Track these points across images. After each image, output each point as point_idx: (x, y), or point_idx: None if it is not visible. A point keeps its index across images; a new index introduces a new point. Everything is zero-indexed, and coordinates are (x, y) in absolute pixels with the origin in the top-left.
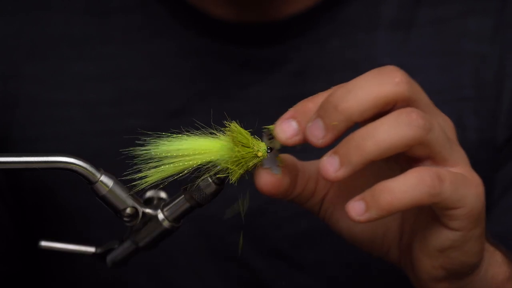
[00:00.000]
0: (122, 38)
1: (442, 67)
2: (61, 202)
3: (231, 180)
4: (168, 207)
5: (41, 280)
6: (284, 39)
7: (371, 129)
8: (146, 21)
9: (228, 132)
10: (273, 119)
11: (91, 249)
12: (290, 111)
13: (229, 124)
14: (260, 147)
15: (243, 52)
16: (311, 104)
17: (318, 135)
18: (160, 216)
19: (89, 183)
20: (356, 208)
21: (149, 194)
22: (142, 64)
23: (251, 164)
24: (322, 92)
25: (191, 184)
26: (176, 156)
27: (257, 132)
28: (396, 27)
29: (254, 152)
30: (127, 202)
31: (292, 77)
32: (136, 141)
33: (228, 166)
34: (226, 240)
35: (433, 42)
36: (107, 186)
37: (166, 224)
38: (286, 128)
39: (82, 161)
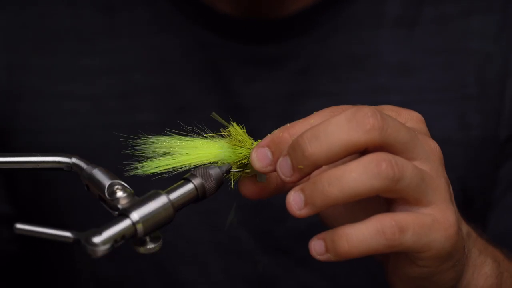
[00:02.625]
0: (129, 32)
1: (445, 65)
2: (60, 196)
3: (232, 180)
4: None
5: (42, 277)
6: (289, 36)
7: (339, 174)
8: (153, 16)
9: (228, 132)
10: (277, 115)
11: (68, 234)
12: (267, 139)
13: (229, 125)
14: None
15: (249, 49)
16: (287, 135)
17: (285, 173)
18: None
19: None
20: (317, 248)
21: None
22: (148, 58)
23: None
24: (301, 121)
25: (199, 170)
26: (176, 155)
27: (260, 128)
28: (400, 24)
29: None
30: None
31: (297, 73)
32: (141, 135)
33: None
34: (231, 234)
35: (437, 40)
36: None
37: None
38: (261, 158)
39: (79, 159)
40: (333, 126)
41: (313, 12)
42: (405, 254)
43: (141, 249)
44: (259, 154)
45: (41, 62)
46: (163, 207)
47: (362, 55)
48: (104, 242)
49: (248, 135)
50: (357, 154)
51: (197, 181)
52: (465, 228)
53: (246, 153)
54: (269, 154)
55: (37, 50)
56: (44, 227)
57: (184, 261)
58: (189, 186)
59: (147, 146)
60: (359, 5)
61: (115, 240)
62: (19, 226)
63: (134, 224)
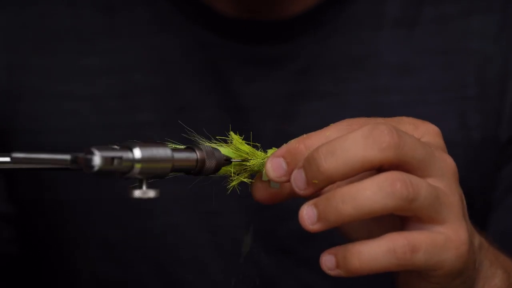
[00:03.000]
0: (129, 32)
1: (445, 65)
2: (61, 196)
3: (229, 185)
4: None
5: (42, 278)
6: (289, 37)
7: (353, 192)
8: (153, 16)
9: (230, 144)
10: (277, 115)
11: (66, 156)
12: (282, 150)
13: (231, 136)
14: (260, 158)
15: (249, 49)
16: (303, 146)
17: (299, 186)
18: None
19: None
20: (328, 263)
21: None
22: (148, 58)
23: (247, 174)
24: (317, 133)
25: (205, 146)
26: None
27: (260, 128)
28: (400, 24)
29: (254, 165)
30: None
31: (297, 74)
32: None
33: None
34: (232, 236)
35: (436, 40)
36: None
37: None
38: (276, 168)
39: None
40: (350, 143)
41: (313, 13)
42: (417, 271)
43: (137, 193)
44: (274, 164)
45: (41, 62)
46: (165, 160)
47: (362, 55)
48: (102, 158)
49: (248, 136)
50: (372, 170)
51: (200, 154)
52: (477, 240)
53: (253, 162)
54: (284, 165)
55: (37, 50)
56: (40, 152)
57: (185, 263)
58: (191, 156)
59: None
60: (359, 6)
61: (111, 161)
62: (15, 155)
63: (133, 160)
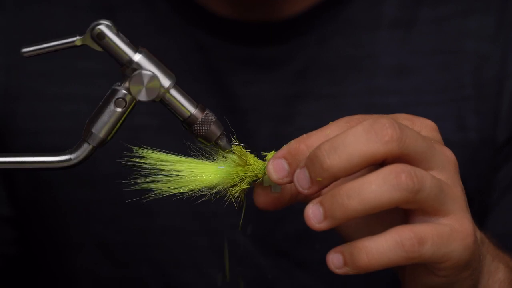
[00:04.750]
0: (126, 34)
1: (442, 66)
2: (60, 197)
3: (230, 192)
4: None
5: (41, 279)
6: (287, 38)
7: (358, 186)
8: (151, 18)
9: (230, 154)
10: (275, 117)
11: (74, 38)
12: (283, 151)
13: (231, 146)
14: (260, 167)
15: (247, 50)
16: (304, 146)
17: (303, 186)
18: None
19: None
20: (335, 262)
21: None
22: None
23: (248, 182)
24: (317, 132)
25: (210, 113)
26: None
27: (258, 130)
28: (397, 26)
29: (255, 173)
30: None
31: (295, 75)
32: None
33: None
34: (229, 237)
35: (434, 41)
36: None
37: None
38: (278, 169)
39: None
40: (351, 138)
41: (311, 14)
42: (424, 264)
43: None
44: (276, 166)
45: (39, 64)
46: (160, 85)
47: (359, 56)
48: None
49: (245, 137)
50: (375, 165)
51: (198, 114)
52: (478, 234)
53: (255, 169)
54: (285, 166)
55: None
56: (48, 41)
57: (183, 265)
58: (190, 108)
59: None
60: (356, 7)
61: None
62: (25, 49)
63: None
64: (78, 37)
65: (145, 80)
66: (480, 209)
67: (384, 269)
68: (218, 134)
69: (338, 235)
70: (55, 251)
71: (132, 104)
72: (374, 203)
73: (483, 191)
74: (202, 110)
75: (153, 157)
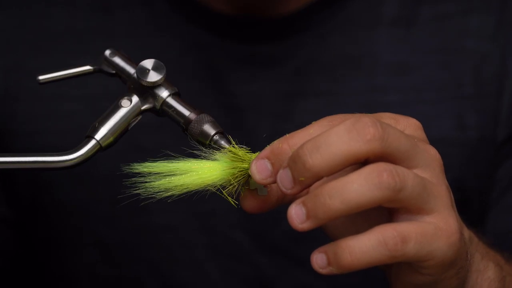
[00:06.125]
0: (125, 32)
1: (442, 64)
2: (59, 198)
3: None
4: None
5: (40, 278)
6: (286, 36)
7: (340, 186)
8: (150, 17)
9: (225, 152)
10: (273, 115)
11: (88, 68)
12: (266, 151)
13: (226, 146)
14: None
15: (245, 48)
16: (286, 146)
17: (286, 186)
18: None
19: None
20: (319, 261)
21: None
22: (144, 59)
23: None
24: (300, 131)
25: (205, 115)
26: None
27: (256, 128)
28: (397, 24)
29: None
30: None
31: (294, 73)
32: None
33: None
34: (227, 236)
35: (433, 40)
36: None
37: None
38: (261, 169)
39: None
40: (334, 137)
41: (310, 12)
42: (408, 263)
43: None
44: (259, 166)
45: (37, 63)
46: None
47: (359, 55)
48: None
49: (244, 135)
50: (357, 164)
51: (193, 116)
52: (466, 233)
53: (246, 167)
54: (269, 166)
55: (32, 51)
56: (63, 70)
57: (181, 264)
58: (185, 112)
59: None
60: (356, 5)
61: None
62: (41, 77)
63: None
64: (90, 67)
65: (150, 65)
66: (480, 209)
67: (378, 268)
68: (213, 133)
69: (326, 236)
70: (52, 249)
71: (138, 108)
72: (356, 202)
73: (483, 190)
74: (199, 112)
75: (150, 170)
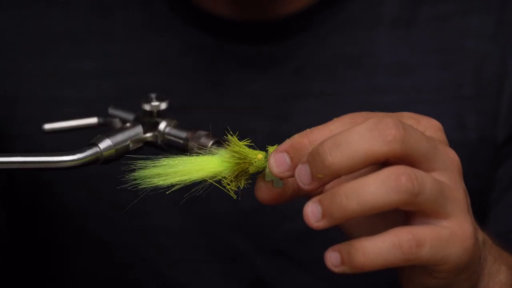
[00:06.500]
0: (124, 35)
1: (442, 64)
2: (59, 196)
3: (229, 186)
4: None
5: (39, 279)
6: (285, 36)
7: (357, 187)
8: (148, 18)
9: (227, 146)
10: (273, 116)
11: (94, 120)
12: (286, 144)
13: (227, 138)
14: (258, 158)
15: (244, 49)
16: (306, 140)
17: (304, 181)
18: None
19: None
20: (333, 260)
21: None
22: (143, 61)
23: (250, 171)
24: (321, 127)
25: (199, 132)
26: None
27: (255, 128)
28: (397, 24)
29: (251, 163)
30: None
31: (293, 74)
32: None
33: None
34: (226, 238)
35: (433, 40)
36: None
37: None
38: (279, 163)
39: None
40: (355, 136)
41: (310, 12)
42: (421, 266)
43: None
44: (278, 159)
45: (35, 66)
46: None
47: (358, 55)
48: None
49: (244, 136)
50: (377, 164)
51: (188, 135)
52: (480, 236)
53: (250, 160)
54: (287, 160)
55: (30, 53)
56: (68, 121)
57: (180, 265)
58: (181, 134)
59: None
60: (355, 5)
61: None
62: (47, 126)
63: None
64: (96, 120)
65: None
66: (480, 209)
67: (384, 270)
68: (210, 144)
69: (336, 235)
70: (51, 249)
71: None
72: (373, 205)
73: (483, 190)
74: (193, 132)
75: (150, 174)
